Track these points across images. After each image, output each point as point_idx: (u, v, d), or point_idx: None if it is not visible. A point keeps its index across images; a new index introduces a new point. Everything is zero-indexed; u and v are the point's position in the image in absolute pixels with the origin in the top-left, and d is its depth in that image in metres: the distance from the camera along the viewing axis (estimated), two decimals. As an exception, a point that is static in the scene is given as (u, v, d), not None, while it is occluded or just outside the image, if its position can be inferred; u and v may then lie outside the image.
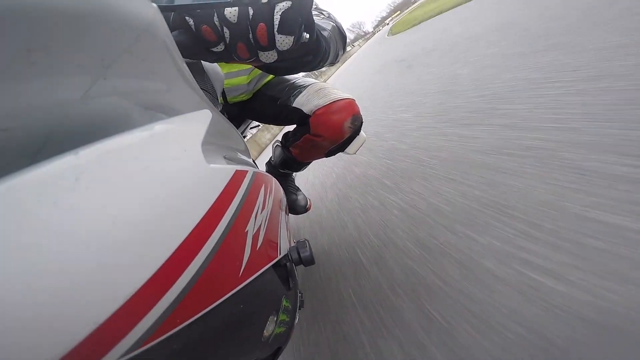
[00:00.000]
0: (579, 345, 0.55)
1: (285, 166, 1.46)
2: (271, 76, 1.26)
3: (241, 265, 0.34)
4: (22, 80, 0.19)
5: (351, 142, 1.12)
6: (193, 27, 0.43)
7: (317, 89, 1.07)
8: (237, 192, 0.35)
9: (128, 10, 0.25)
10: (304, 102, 1.06)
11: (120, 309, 0.19)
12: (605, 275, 0.61)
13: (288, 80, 1.19)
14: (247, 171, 0.41)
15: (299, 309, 0.65)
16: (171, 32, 0.32)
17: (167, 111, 0.33)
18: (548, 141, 1.01)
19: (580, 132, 0.96)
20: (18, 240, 0.16)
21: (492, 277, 0.75)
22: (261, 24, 0.42)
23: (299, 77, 1.21)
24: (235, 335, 0.33)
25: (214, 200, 0.29)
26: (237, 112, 1.29)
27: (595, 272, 0.63)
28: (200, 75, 0.63)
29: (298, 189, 1.67)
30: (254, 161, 0.84)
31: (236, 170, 0.36)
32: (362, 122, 1.09)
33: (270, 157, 1.57)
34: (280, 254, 0.55)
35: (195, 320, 0.26)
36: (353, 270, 1.14)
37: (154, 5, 0.29)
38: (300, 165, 1.42)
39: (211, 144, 0.40)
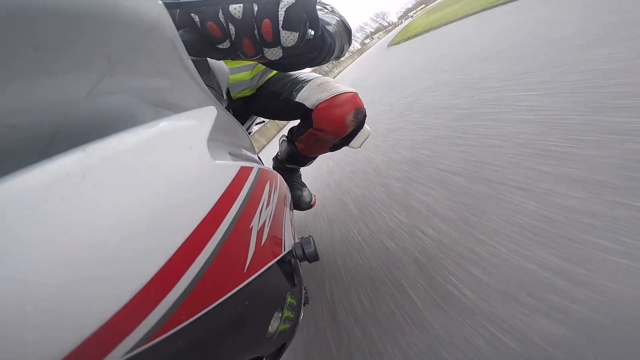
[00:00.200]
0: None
1: (291, 161, 1.46)
2: (274, 71, 1.25)
3: (246, 262, 0.34)
4: (29, 78, 0.19)
5: (355, 135, 1.12)
6: (198, 24, 0.43)
7: (319, 83, 1.06)
8: (242, 188, 0.35)
9: (134, 8, 0.25)
10: (306, 97, 1.06)
11: (127, 306, 0.19)
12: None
13: (290, 75, 1.19)
14: (252, 167, 0.41)
15: (304, 305, 0.65)
16: (177, 29, 0.32)
17: (173, 108, 0.33)
18: None
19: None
20: (25, 236, 0.16)
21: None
22: (266, 20, 0.42)
23: (302, 72, 1.20)
24: (240, 331, 0.33)
25: (219, 196, 0.29)
26: (241, 108, 1.30)
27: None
28: (206, 72, 0.63)
29: (304, 185, 1.67)
30: (259, 157, 0.84)
31: (241, 167, 0.36)
32: (365, 116, 1.09)
33: (277, 152, 1.57)
34: (284, 250, 0.56)
35: (201, 316, 0.26)
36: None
37: (160, 2, 0.29)
38: (306, 159, 1.42)
39: (217, 140, 0.40)
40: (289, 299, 0.49)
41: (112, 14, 0.23)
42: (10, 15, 0.17)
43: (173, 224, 0.23)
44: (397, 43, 11.28)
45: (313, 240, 0.69)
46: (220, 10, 0.41)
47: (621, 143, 0.87)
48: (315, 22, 0.47)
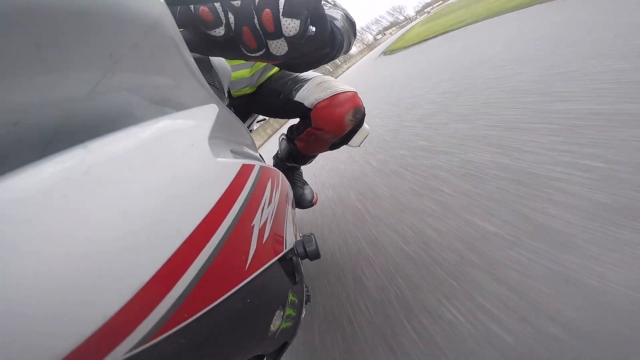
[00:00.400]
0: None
1: (291, 159, 1.46)
2: (275, 70, 1.25)
3: (247, 259, 0.34)
4: (31, 76, 0.19)
5: (354, 134, 1.11)
6: (192, 9, 0.43)
7: (319, 82, 1.06)
8: (244, 186, 0.35)
9: (136, 6, 0.25)
10: (306, 96, 1.06)
11: (129, 304, 0.19)
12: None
13: (291, 74, 1.19)
14: (253, 165, 0.41)
15: (306, 303, 0.65)
16: (179, 27, 0.32)
17: (175, 106, 0.33)
18: None
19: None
20: (27, 233, 0.16)
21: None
22: (266, 9, 0.42)
23: (302, 70, 1.20)
24: (242, 330, 0.33)
25: (221, 194, 0.29)
26: (242, 106, 1.30)
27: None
28: (208, 71, 0.63)
29: (305, 183, 1.67)
30: (260, 155, 0.84)
31: (243, 164, 0.36)
32: (364, 115, 1.08)
33: (278, 150, 1.57)
34: (286, 248, 0.56)
35: (202, 314, 0.26)
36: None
37: (162, 1, 0.29)
38: (306, 158, 1.42)
39: (218, 138, 0.40)
40: (290, 297, 0.49)
41: (114, 12, 0.23)
42: (12, 13, 0.17)
43: (175, 222, 0.23)
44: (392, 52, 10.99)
45: (314, 238, 0.69)
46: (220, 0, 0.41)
47: None
48: (323, 20, 0.47)
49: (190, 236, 0.24)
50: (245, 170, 0.37)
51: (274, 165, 1.61)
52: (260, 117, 1.56)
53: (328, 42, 0.52)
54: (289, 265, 0.59)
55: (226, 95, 0.74)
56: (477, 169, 1.23)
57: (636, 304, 0.57)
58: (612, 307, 0.59)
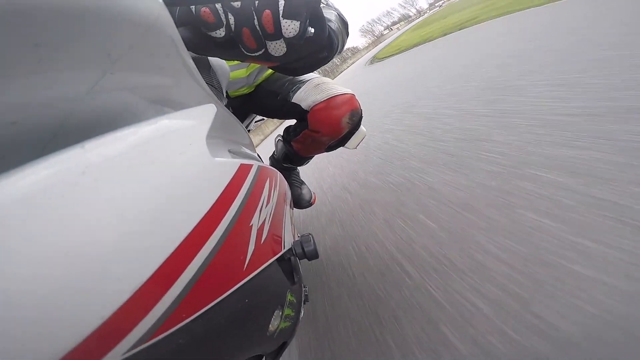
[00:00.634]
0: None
1: (287, 160, 1.46)
2: (271, 70, 1.25)
3: (245, 260, 0.34)
4: (30, 75, 0.19)
5: (351, 137, 1.12)
6: (193, 10, 0.43)
7: (316, 84, 1.06)
8: (242, 186, 0.35)
9: (135, 6, 0.25)
10: (303, 98, 1.06)
11: (127, 304, 0.19)
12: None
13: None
14: (251, 165, 0.41)
15: (304, 303, 0.65)
16: (177, 27, 0.32)
17: (173, 105, 0.33)
18: None
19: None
20: (25, 232, 0.16)
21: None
22: (266, 10, 0.41)
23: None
24: (240, 330, 0.33)
25: (219, 194, 0.29)
26: (240, 106, 1.30)
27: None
28: (206, 70, 0.63)
29: (302, 183, 1.67)
30: (258, 155, 0.84)
31: (241, 164, 0.36)
32: (361, 117, 1.09)
33: (274, 152, 1.57)
34: (284, 248, 0.56)
35: (201, 314, 0.26)
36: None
37: (160, 0, 0.29)
38: (302, 159, 1.42)
39: (216, 137, 0.40)
40: (289, 297, 0.49)
41: (113, 12, 0.23)
42: (11, 12, 0.17)
43: (173, 222, 0.23)
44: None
45: (313, 238, 0.69)
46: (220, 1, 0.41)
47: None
48: (322, 22, 0.47)
49: (188, 236, 0.24)
50: (243, 170, 0.37)
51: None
52: (259, 117, 1.56)
53: (326, 45, 0.52)
54: (288, 265, 0.59)
55: (224, 95, 0.74)
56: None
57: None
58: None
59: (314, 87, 1.05)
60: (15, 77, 0.18)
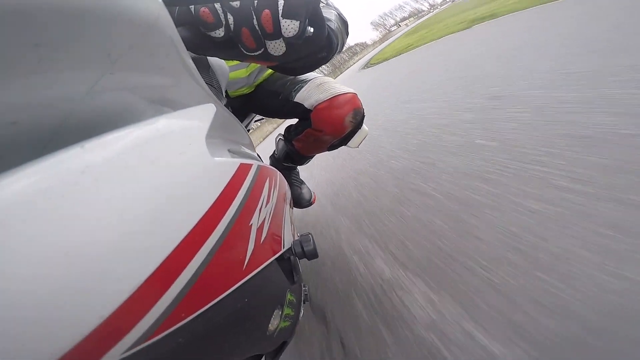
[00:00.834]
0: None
1: (288, 159, 1.46)
2: (271, 70, 1.25)
3: (245, 259, 0.34)
4: (30, 75, 0.19)
5: (353, 135, 1.12)
6: (192, 10, 0.43)
7: (319, 83, 1.06)
8: (241, 185, 0.35)
9: (134, 6, 0.25)
10: (305, 97, 1.06)
11: (126, 303, 0.19)
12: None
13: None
14: (251, 164, 0.41)
15: (304, 302, 0.66)
16: (176, 27, 0.32)
17: (173, 105, 0.33)
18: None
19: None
20: (25, 232, 0.16)
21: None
22: (266, 10, 0.41)
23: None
24: (240, 329, 0.33)
25: (218, 193, 0.29)
26: (240, 105, 1.30)
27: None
28: (206, 70, 0.63)
29: (302, 182, 1.68)
30: (258, 155, 0.84)
31: (241, 164, 0.36)
32: (363, 116, 1.09)
33: (274, 151, 1.57)
34: (284, 248, 0.56)
35: (200, 314, 0.26)
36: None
37: (160, 0, 0.29)
38: (303, 158, 1.43)
39: (216, 137, 0.40)
40: (288, 297, 0.49)
41: (112, 12, 0.23)
42: (11, 12, 0.17)
43: (172, 221, 0.23)
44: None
45: (312, 237, 0.70)
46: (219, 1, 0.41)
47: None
48: (321, 21, 0.46)
49: (187, 235, 0.24)
50: (243, 170, 0.37)
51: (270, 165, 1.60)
52: (258, 116, 1.56)
53: (325, 45, 0.52)
54: (287, 264, 0.59)
55: (224, 95, 0.74)
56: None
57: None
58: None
59: (317, 87, 1.05)
60: (15, 77, 0.19)
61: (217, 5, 0.42)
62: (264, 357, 0.44)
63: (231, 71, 1.13)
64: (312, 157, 1.47)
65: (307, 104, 1.05)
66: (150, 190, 0.22)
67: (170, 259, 0.22)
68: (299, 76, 1.14)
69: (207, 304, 0.27)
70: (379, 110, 3.14)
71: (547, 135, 1.14)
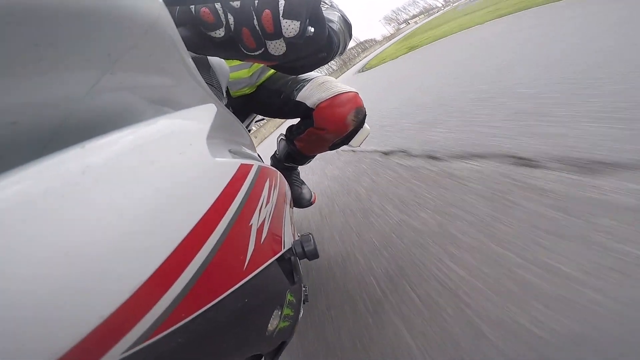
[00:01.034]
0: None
1: (289, 159, 1.47)
2: (273, 70, 1.25)
3: (245, 259, 0.34)
4: (30, 75, 0.19)
5: (355, 134, 1.12)
6: (193, 10, 0.43)
7: (321, 82, 1.07)
8: (242, 185, 0.35)
9: (135, 6, 0.25)
10: (307, 96, 1.06)
11: (126, 303, 0.19)
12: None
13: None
14: (252, 165, 0.41)
15: (304, 303, 0.65)
16: (176, 27, 0.32)
17: (173, 105, 0.33)
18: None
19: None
20: (25, 232, 0.16)
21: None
22: (266, 10, 0.41)
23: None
24: (239, 329, 0.33)
25: (218, 193, 0.29)
26: (241, 106, 1.30)
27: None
28: (206, 70, 0.63)
29: (303, 183, 1.68)
30: (258, 155, 0.84)
31: (241, 164, 0.36)
32: (365, 115, 1.10)
33: (275, 151, 1.57)
34: (284, 248, 0.56)
35: (200, 314, 0.26)
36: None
37: (160, 0, 0.29)
38: (305, 158, 1.43)
39: (216, 137, 0.40)
40: (288, 297, 0.49)
41: (113, 12, 0.23)
42: (11, 13, 0.17)
43: (172, 221, 0.23)
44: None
45: (313, 237, 0.69)
46: (220, 1, 0.41)
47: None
48: (321, 20, 0.46)
49: (187, 236, 0.24)
50: (243, 170, 0.37)
51: (271, 166, 1.60)
52: (259, 117, 1.57)
53: (325, 45, 0.52)
54: (287, 265, 0.59)
55: (224, 95, 0.74)
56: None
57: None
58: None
59: (319, 85, 1.06)
60: (15, 76, 0.19)
61: (218, 5, 0.42)
62: (263, 357, 0.44)
63: (234, 71, 1.13)
64: (313, 157, 1.47)
65: (309, 102, 1.06)
66: (150, 191, 0.22)
67: (170, 259, 0.22)
68: (300, 75, 1.15)
69: (207, 304, 0.27)
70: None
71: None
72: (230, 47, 0.47)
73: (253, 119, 1.56)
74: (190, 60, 0.37)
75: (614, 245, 0.67)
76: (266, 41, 0.45)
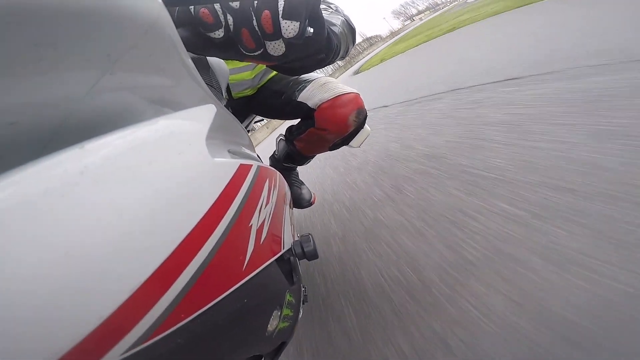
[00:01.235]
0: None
1: (289, 160, 1.47)
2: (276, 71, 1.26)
3: (245, 260, 0.34)
4: (29, 75, 0.19)
5: (355, 135, 1.13)
6: (192, 10, 0.43)
7: (322, 83, 1.07)
8: (241, 186, 0.35)
9: (135, 6, 0.25)
10: (309, 96, 1.07)
11: (125, 304, 0.19)
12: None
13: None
14: (251, 165, 0.41)
15: (303, 303, 0.65)
16: (176, 27, 0.32)
17: (172, 106, 0.33)
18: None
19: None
20: (24, 232, 0.16)
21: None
22: (266, 11, 0.41)
23: (304, 72, 1.21)
24: (239, 330, 0.33)
25: (218, 194, 0.29)
26: (242, 106, 1.31)
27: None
28: (205, 71, 0.63)
29: (302, 183, 1.68)
30: (258, 155, 0.84)
31: (240, 164, 0.36)
32: (366, 116, 1.10)
33: (274, 151, 1.57)
34: (283, 248, 0.56)
35: (200, 314, 0.26)
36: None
37: (159, 0, 0.29)
38: (304, 158, 1.43)
39: (216, 138, 0.40)
40: (288, 297, 0.49)
41: (113, 12, 0.23)
42: (11, 12, 0.17)
43: (172, 222, 0.23)
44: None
45: (312, 238, 0.69)
46: (219, 2, 0.41)
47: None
48: (319, 21, 0.46)
49: (187, 236, 0.24)
50: (242, 170, 0.37)
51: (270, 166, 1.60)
52: (259, 117, 1.57)
53: (324, 46, 0.52)
54: (287, 265, 0.59)
55: (224, 95, 0.74)
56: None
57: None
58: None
59: (320, 86, 1.07)
60: (14, 76, 0.19)
61: (217, 6, 0.42)
62: (263, 357, 0.44)
63: (237, 73, 1.14)
64: (312, 158, 1.47)
65: (311, 103, 1.06)
66: (150, 191, 0.22)
67: (170, 259, 0.22)
68: (302, 76, 1.15)
69: (206, 305, 0.27)
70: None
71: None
72: (230, 48, 0.47)
73: (252, 120, 1.56)
74: (190, 60, 0.37)
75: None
76: (265, 42, 0.45)
